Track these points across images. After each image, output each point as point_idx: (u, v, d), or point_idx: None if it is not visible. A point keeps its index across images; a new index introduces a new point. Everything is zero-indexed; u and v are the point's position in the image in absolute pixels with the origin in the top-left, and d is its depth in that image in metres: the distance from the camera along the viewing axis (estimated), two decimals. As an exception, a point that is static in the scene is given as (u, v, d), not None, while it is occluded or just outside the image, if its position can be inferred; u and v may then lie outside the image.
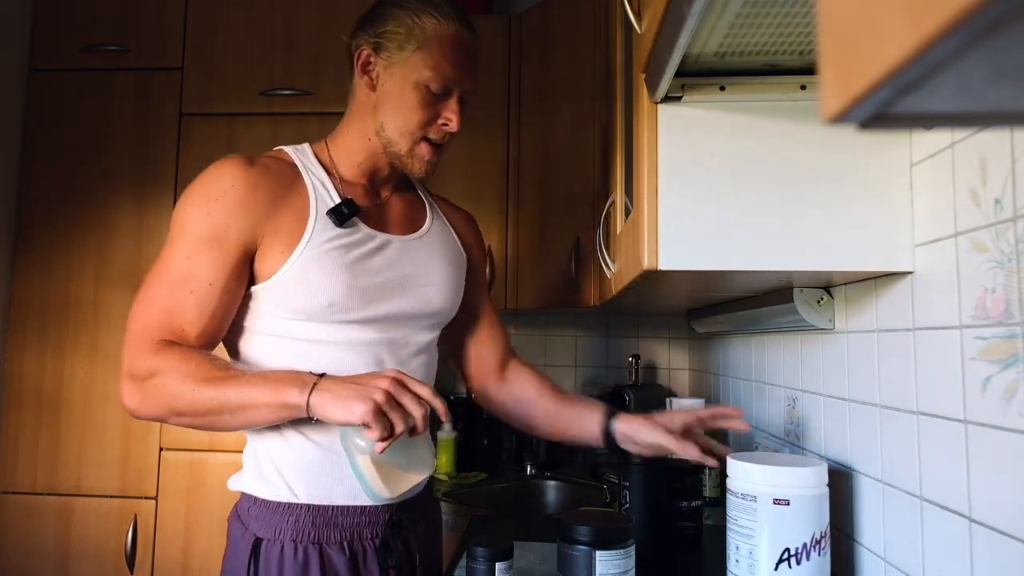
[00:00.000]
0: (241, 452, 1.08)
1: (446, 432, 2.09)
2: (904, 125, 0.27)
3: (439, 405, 0.92)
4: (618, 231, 1.30)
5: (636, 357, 2.29)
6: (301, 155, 1.10)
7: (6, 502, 2.06)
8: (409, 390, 0.91)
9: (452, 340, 1.30)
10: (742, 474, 1.01)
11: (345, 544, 1.01)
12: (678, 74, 0.88)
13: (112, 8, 2.17)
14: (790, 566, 0.97)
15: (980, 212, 0.77)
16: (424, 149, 1.08)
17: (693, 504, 1.34)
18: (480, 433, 2.20)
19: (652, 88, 0.92)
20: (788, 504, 0.97)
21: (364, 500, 1.02)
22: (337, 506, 1.02)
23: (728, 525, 1.04)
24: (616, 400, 2.19)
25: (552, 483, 2.07)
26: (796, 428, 1.33)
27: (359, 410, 0.86)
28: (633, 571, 0.98)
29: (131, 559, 2.01)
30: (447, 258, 1.18)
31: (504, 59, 2.15)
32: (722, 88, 0.94)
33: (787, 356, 1.38)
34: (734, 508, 1.02)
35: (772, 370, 1.48)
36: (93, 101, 2.14)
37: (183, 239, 0.99)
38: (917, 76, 0.21)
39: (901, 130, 0.91)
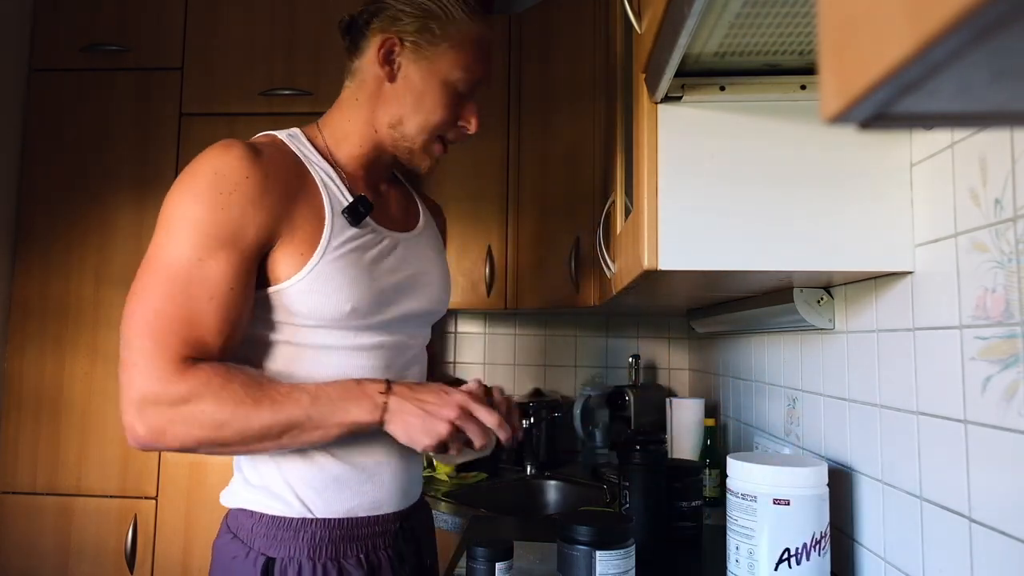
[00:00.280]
0: None
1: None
2: (904, 125, 0.27)
3: (504, 435, 0.94)
4: (618, 231, 1.30)
5: (636, 357, 2.29)
6: (297, 143, 1.02)
7: (6, 502, 2.06)
8: (475, 419, 0.92)
9: None
10: (742, 474, 1.01)
11: (362, 556, 0.98)
12: (678, 74, 0.88)
13: (112, 8, 2.17)
14: (790, 566, 0.97)
15: (980, 212, 0.77)
16: (437, 148, 1.05)
17: (693, 504, 1.34)
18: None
19: (652, 88, 0.92)
20: (788, 504, 0.97)
21: (381, 509, 1.01)
22: (354, 518, 0.98)
23: (728, 525, 1.04)
24: (616, 400, 2.19)
25: (552, 483, 2.07)
26: (796, 428, 1.33)
27: (423, 443, 0.91)
28: (633, 571, 0.98)
29: (131, 559, 2.01)
30: (440, 253, 1.17)
31: (504, 59, 2.15)
32: (722, 88, 0.94)
33: (787, 356, 1.38)
34: (734, 508, 1.03)
35: (772, 370, 1.48)
36: (93, 101, 2.14)
37: (188, 238, 0.88)
38: (917, 76, 0.21)
39: (901, 130, 0.91)
